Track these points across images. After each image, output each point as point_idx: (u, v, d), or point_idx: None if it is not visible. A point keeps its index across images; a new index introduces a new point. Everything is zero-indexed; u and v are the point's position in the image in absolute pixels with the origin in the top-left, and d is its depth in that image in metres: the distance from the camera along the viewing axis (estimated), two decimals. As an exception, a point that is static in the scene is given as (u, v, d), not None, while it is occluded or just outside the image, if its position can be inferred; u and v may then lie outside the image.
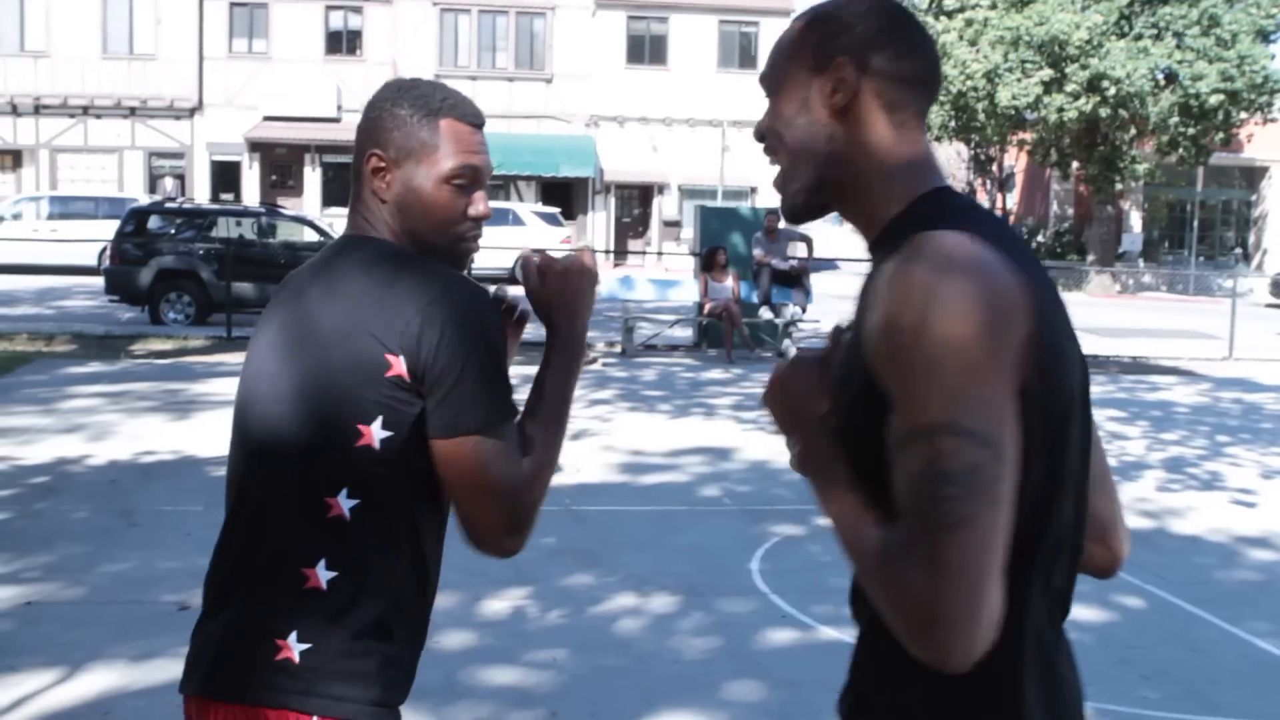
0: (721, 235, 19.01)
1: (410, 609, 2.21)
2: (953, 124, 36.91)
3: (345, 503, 2.10)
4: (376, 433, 2.07)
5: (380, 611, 2.14)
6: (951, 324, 1.57)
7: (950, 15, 35.49)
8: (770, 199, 37.55)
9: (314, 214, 32.25)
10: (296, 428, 2.13)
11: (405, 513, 2.15)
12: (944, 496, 1.55)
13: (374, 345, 2.07)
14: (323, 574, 2.10)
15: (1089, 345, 18.76)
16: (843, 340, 1.81)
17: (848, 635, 6.33)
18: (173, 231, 20.87)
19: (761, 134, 1.93)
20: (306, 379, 2.12)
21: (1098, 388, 16.35)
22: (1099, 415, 13.40)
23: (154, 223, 21.02)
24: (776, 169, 1.93)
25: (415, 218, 2.23)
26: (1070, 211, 43.59)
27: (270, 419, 2.16)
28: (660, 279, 21.57)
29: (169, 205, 22.30)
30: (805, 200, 1.91)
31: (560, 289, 2.35)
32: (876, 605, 1.64)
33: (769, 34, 40.59)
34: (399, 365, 2.06)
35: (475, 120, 2.28)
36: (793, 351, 18.04)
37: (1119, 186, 37.98)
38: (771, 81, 1.92)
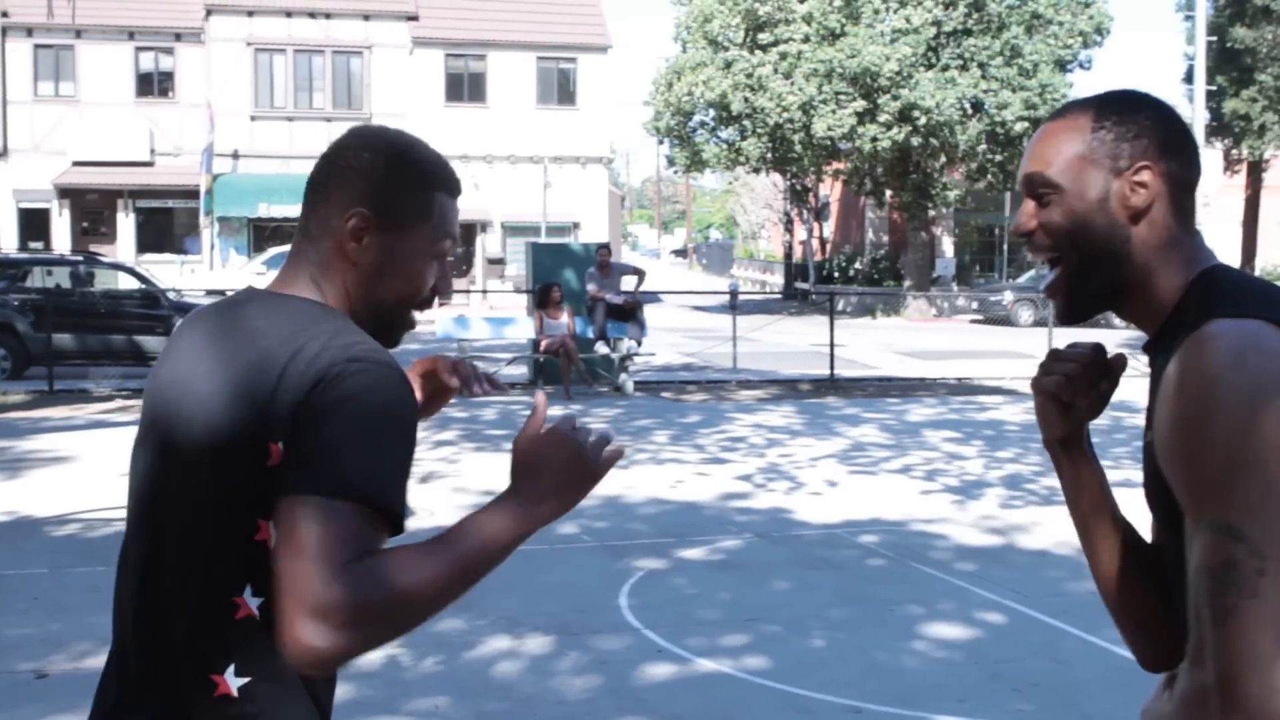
0: (554, 271, 19.05)
1: (325, 705, 2.06)
2: (770, 155, 37.54)
3: (252, 601, 1.92)
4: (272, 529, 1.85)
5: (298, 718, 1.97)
6: (1236, 419, 1.64)
7: (765, 49, 36.12)
8: (595, 234, 37.77)
9: (129, 260, 31.43)
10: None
11: None
12: (1207, 591, 1.65)
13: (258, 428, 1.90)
14: (232, 680, 1.92)
15: (914, 369, 19.17)
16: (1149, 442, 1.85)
17: (725, 666, 6.40)
18: (-15, 283, 20.13)
19: (1029, 231, 1.94)
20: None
21: (928, 410, 16.83)
22: (935, 437, 13.67)
23: (-36, 274, 20.26)
24: (1047, 269, 1.95)
25: (386, 288, 2.07)
26: (885, 238, 44.68)
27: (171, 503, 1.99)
28: (494, 316, 21.48)
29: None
30: (1098, 304, 1.94)
31: (545, 462, 1.96)
32: None
33: (586, 69, 40.89)
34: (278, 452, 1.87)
35: (459, 192, 2.19)
36: (630, 386, 18.15)
37: (932, 213, 39.04)
38: (1053, 180, 1.91)
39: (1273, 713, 1.59)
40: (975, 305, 36.87)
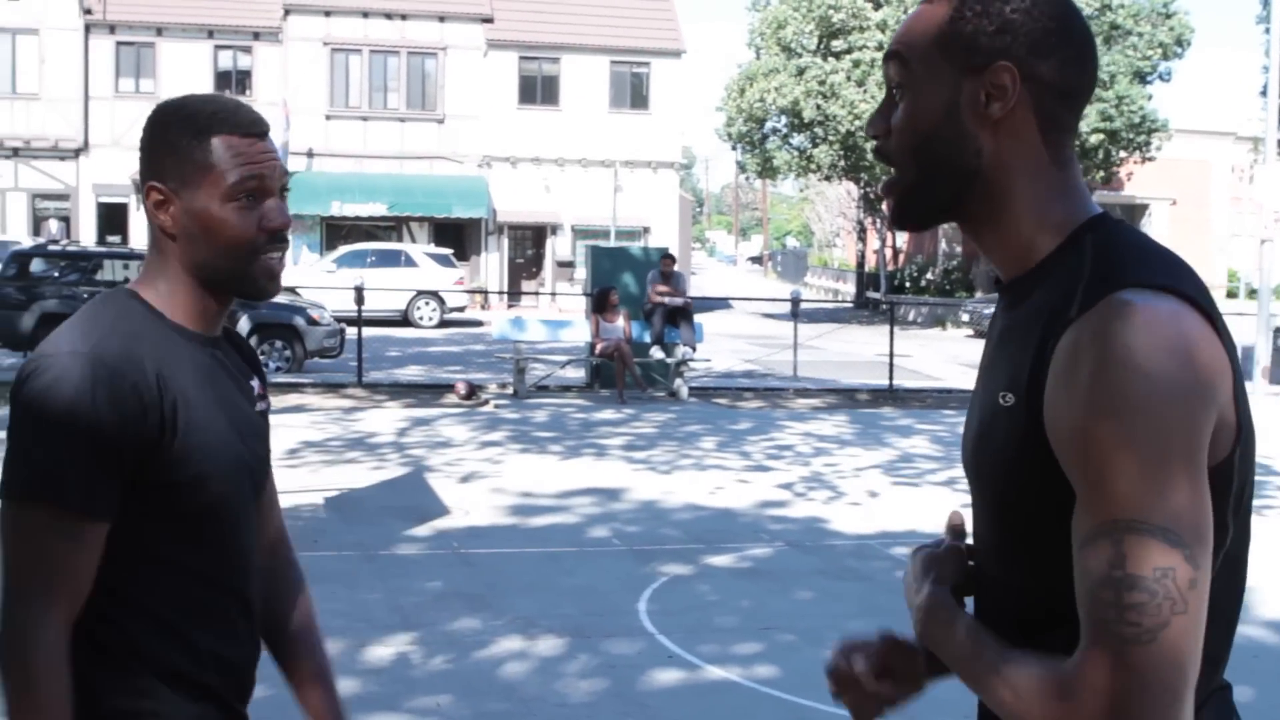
0: (613, 275, 19.08)
1: None
2: (842, 163, 37.40)
3: None
4: None
5: None
6: (1149, 416, 1.40)
7: (838, 56, 36.01)
8: (665, 239, 37.79)
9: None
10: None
11: None
12: (1130, 604, 1.39)
13: None
14: None
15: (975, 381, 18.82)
16: (999, 402, 1.57)
17: (733, 675, 6.38)
18: (56, 275, 20.50)
19: (878, 131, 1.67)
20: None
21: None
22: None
23: (37, 266, 20.64)
24: (887, 177, 1.71)
25: (203, 247, 2.04)
26: (958, 249, 44.32)
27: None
28: (552, 320, 21.54)
29: (52, 248, 21.91)
30: (937, 217, 1.69)
31: None
32: None
33: (659, 74, 40.94)
34: None
35: (252, 129, 2.06)
36: (684, 391, 18.14)
37: (1004, 224, 38.67)
38: (903, 70, 1.63)
39: None
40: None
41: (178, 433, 1.95)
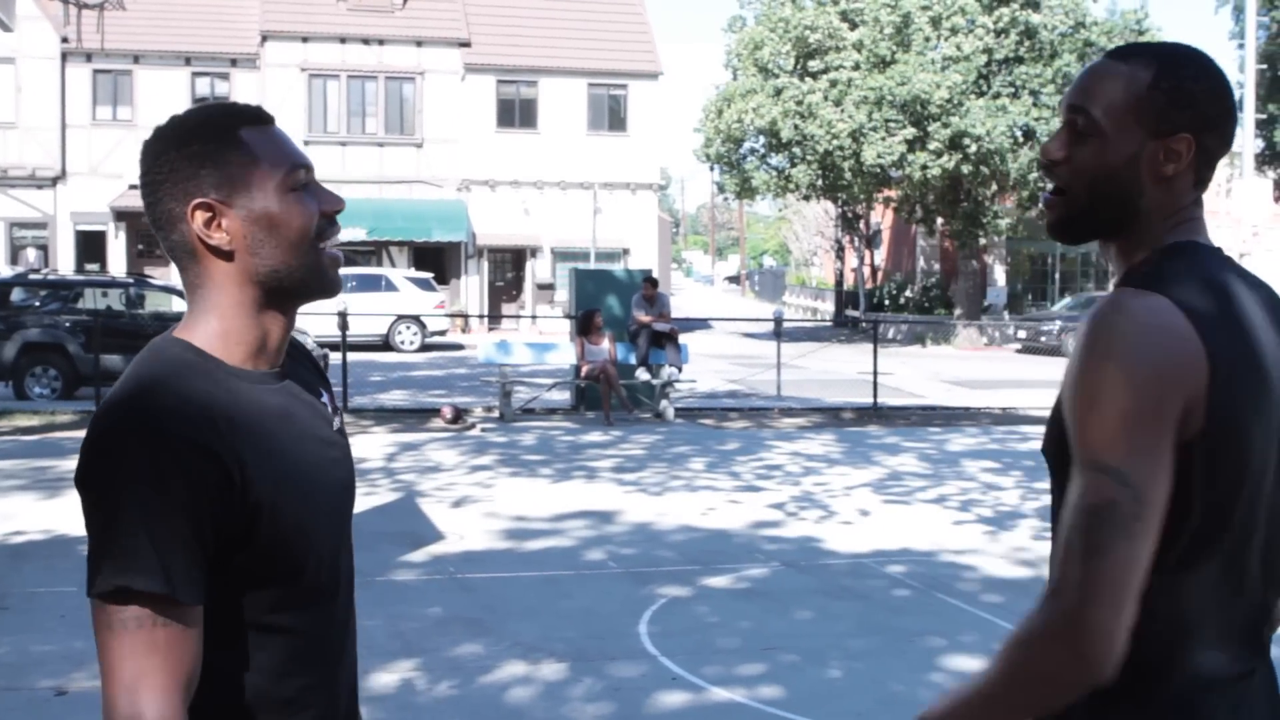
0: (596, 297, 19.10)
1: None
2: (820, 182, 37.51)
3: None
4: None
5: None
6: (1114, 381, 1.76)
7: (815, 76, 36.12)
8: (645, 260, 37.85)
9: (181, 283, 31.71)
10: None
11: None
12: (1081, 526, 1.76)
13: None
14: None
15: (959, 398, 18.98)
16: None
17: (738, 696, 6.38)
18: (37, 304, 20.42)
19: (1056, 161, 2.01)
20: None
21: (969, 439, 16.72)
22: (973, 467, 13.51)
23: (17, 295, 20.56)
24: (1051, 195, 2.04)
25: (271, 250, 1.89)
26: (937, 266, 44.50)
27: None
28: (536, 342, 21.54)
29: (32, 277, 21.83)
30: (1082, 236, 2.04)
31: None
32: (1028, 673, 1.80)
33: (637, 96, 41.07)
34: None
35: (269, 117, 1.96)
36: (670, 412, 18.14)
37: (983, 241, 38.87)
38: (1097, 120, 1.95)
39: (1113, 644, 1.72)
40: (1022, 334, 36.57)
41: (264, 493, 1.81)
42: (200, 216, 1.88)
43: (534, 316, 35.83)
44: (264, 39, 38.88)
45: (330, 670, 1.99)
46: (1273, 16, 35.46)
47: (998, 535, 10.50)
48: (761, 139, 37.68)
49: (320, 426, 2.01)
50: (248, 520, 1.80)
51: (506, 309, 40.64)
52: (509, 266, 41.51)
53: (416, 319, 32.30)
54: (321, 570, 1.94)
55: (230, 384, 1.87)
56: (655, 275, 20.53)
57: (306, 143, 38.46)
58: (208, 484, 1.75)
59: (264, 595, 1.86)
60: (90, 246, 38.66)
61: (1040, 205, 2.13)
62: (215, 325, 1.91)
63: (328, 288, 1.97)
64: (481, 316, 38.07)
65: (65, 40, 37.71)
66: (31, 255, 37.56)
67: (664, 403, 18.37)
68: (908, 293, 44.04)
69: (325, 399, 2.07)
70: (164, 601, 1.72)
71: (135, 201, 37.73)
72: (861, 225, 48.49)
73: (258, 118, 1.93)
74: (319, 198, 1.95)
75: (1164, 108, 1.91)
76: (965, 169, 35.03)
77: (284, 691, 1.90)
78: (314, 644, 1.94)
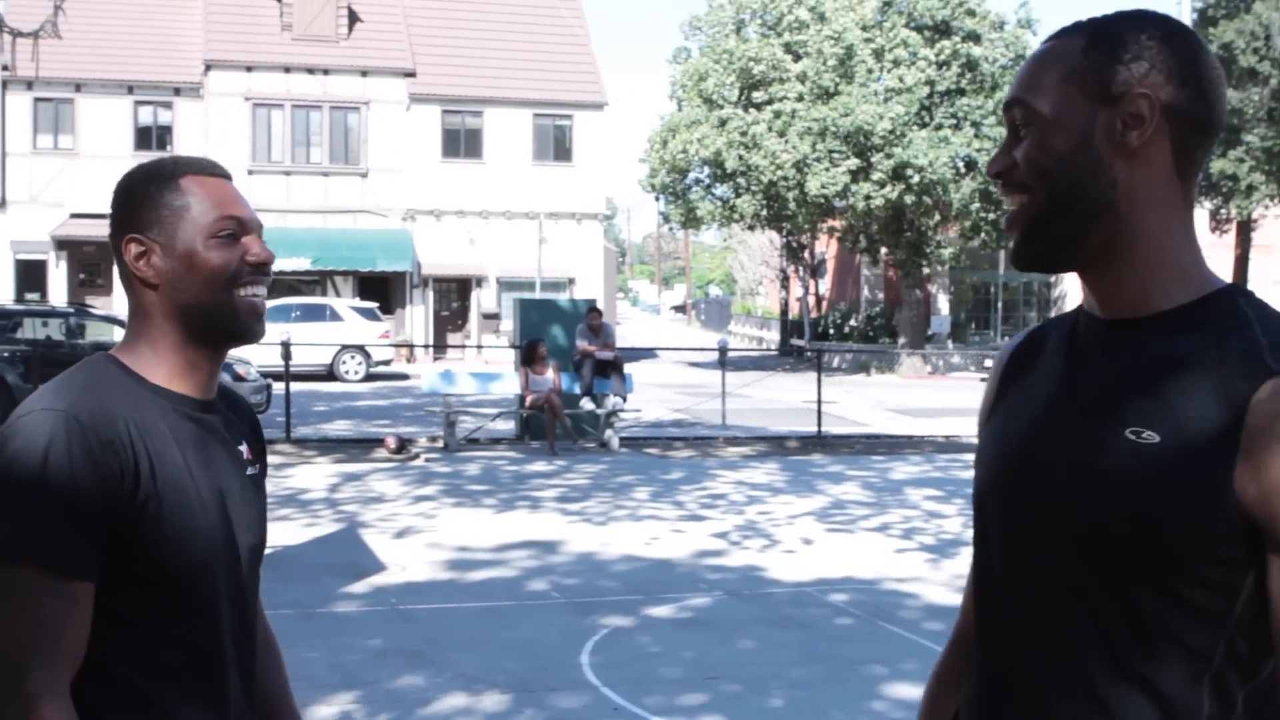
0: (541, 327, 19.09)
1: None
2: (765, 212, 37.71)
3: None
4: None
5: None
6: None
7: (759, 107, 36.36)
8: (590, 290, 37.89)
9: (123, 313, 31.47)
10: None
11: None
12: None
13: None
14: None
15: (903, 426, 19.03)
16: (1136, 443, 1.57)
17: (680, 726, 6.38)
18: (-25, 334, 20.22)
19: (1006, 167, 1.64)
20: None
21: (913, 467, 16.82)
22: (916, 495, 13.58)
23: (-45, 326, 20.36)
24: (1012, 208, 1.66)
25: (188, 287, 2.03)
26: (881, 296, 44.78)
27: None
28: (481, 372, 21.51)
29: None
30: (1062, 253, 1.65)
31: None
32: None
33: (582, 126, 41.18)
34: None
35: (218, 171, 2.12)
36: (615, 442, 18.14)
37: (926, 270, 39.15)
38: (1027, 111, 1.62)
39: None
40: (967, 363, 36.80)
41: (155, 493, 1.90)
42: (133, 249, 2.05)
43: (479, 346, 35.78)
44: (208, 68, 38.70)
45: (215, 686, 2.03)
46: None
47: (940, 563, 10.56)
48: (706, 169, 37.84)
49: (229, 462, 2.10)
50: (133, 516, 1.89)
51: (451, 339, 40.55)
52: (454, 296, 41.43)
53: (361, 349, 32.15)
54: (205, 586, 1.99)
55: (145, 398, 2.00)
56: (601, 305, 20.57)
57: (251, 172, 38.30)
58: (110, 472, 1.86)
59: (140, 595, 1.93)
60: (30, 275, 38.26)
61: (1004, 226, 1.69)
62: (144, 347, 2.06)
63: (241, 333, 2.09)
64: (426, 346, 37.96)
65: (5, 68, 37.40)
66: (-30, 285, 37.15)
67: (609, 432, 18.37)
68: (852, 322, 44.30)
69: (244, 447, 2.17)
70: (53, 572, 1.82)
71: (76, 231, 37.50)
72: (806, 255, 48.74)
73: (208, 170, 2.10)
74: (245, 248, 2.07)
75: (1105, 64, 1.58)
76: (908, 199, 35.31)
77: (162, 700, 1.95)
78: (195, 657, 1.99)
